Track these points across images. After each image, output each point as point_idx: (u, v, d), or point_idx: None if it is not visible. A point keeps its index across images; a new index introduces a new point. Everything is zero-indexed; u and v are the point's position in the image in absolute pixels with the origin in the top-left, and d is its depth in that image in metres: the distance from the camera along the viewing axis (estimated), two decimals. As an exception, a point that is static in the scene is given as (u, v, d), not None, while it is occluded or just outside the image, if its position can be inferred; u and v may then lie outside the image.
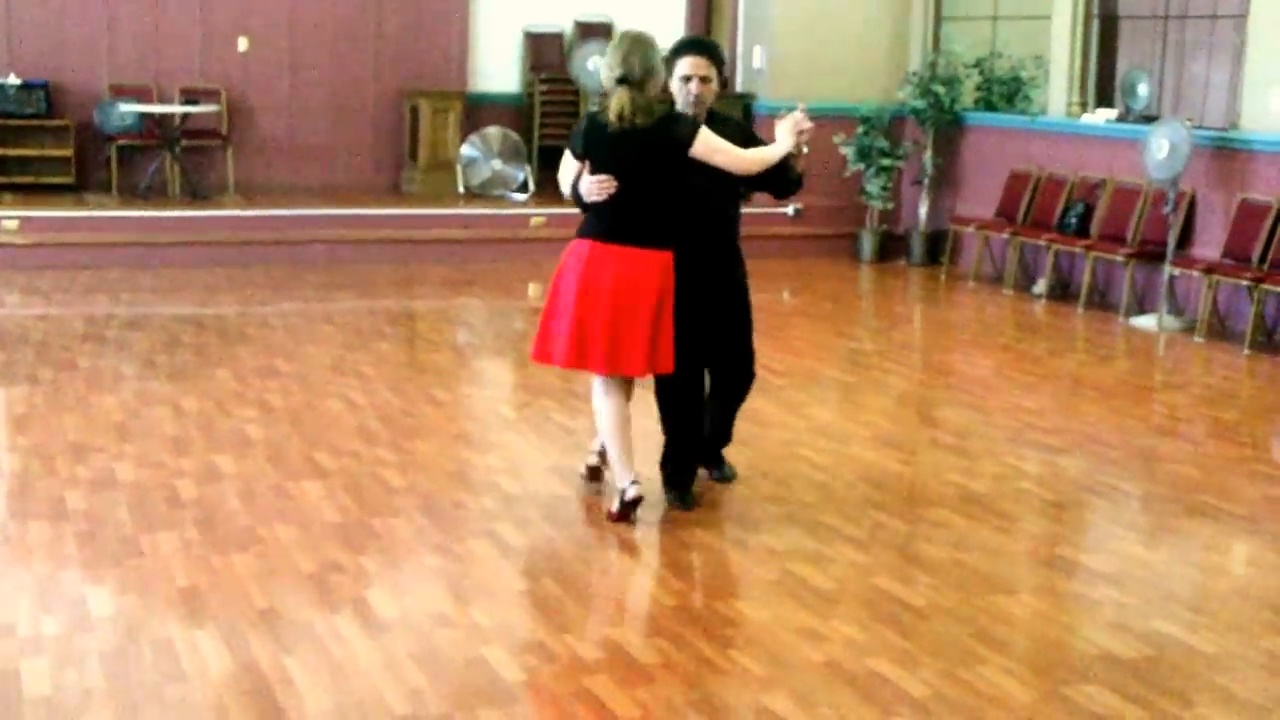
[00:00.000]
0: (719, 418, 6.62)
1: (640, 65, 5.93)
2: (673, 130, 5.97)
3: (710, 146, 5.97)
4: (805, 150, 6.11)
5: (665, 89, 6.11)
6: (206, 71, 14.42)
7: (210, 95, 14.27)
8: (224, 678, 4.64)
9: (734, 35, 15.11)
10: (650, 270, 6.00)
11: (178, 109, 13.69)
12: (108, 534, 5.94)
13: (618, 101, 5.93)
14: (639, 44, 5.99)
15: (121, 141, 13.75)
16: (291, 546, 5.83)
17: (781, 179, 6.24)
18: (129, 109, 13.53)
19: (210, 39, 14.43)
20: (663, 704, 4.55)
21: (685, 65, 6.18)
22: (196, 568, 5.57)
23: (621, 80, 5.94)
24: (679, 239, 6.09)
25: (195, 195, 13.56)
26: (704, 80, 6.17)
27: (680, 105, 6.17)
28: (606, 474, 6.54)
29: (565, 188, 6.24)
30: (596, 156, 6.05)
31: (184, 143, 13.89)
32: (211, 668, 4.71)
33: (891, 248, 14.10)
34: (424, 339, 10.51)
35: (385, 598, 5.34)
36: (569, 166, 6.20)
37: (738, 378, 6.51)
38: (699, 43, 6.54)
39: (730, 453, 6.90)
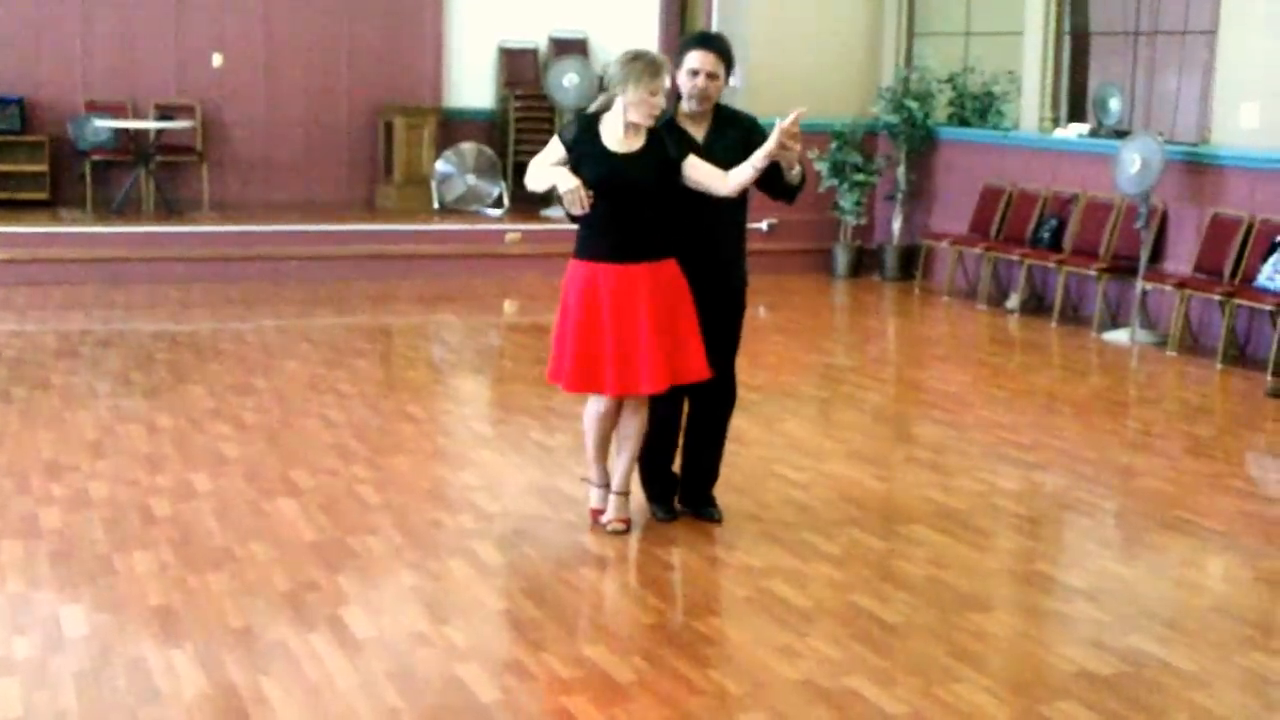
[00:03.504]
0: (701, 447, 6.46)
1: None
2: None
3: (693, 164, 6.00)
4: (797, 168, 5.99)
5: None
6: (181, 87, 14.41)
7: (185, 111, 14.25)
8: (199, 698, 4.62)
9: (708, 51, 15.11)
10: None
11: (152, 125, 13.68)
12: (81, 553, 5.91)
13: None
14: None
15: (96, 157, 13.73)
16: (267, 565, 5.81)
17: (778, 185, 6.12)
18: (104, 124, 13.51)
19: (185, 55, 14.42)
20: (640, 723, 4.56)
21: (692, 59, 6.07)
22: (171, 586, 5.55)
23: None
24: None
25: (170, 211, 13.53)
26: (710, 76, 6.05)
27: (685, 99, 6.13)
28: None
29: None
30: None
31: (159, 158, 13.87)
32: (186, 688, 4.69)
33: (865, 263, 14.13)
34: (400, 355, 10.49)
35: (361, 616, 5.33)
36: None
37: (716, 396, 6.36)
38: (707, 37, 6.31)
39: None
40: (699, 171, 5.95)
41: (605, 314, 5.93)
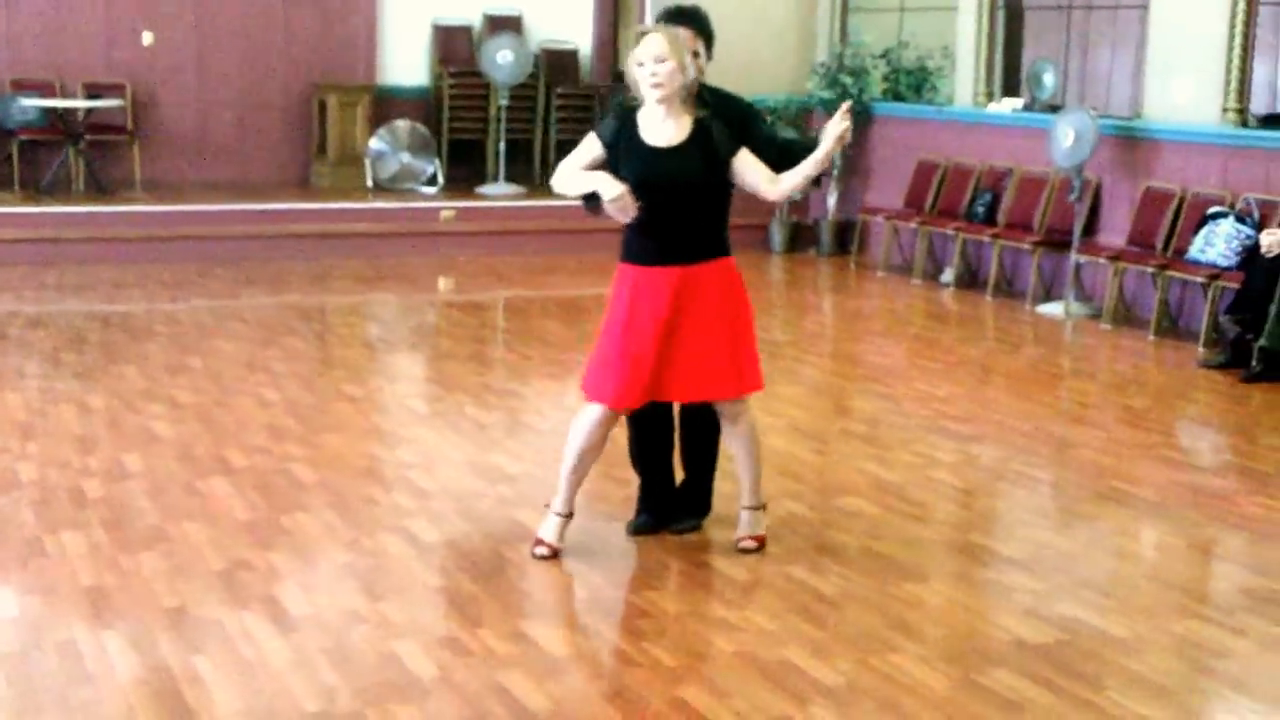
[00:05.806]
0: (692, 461, 6.09)
1: None
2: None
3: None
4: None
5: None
6: (110, 66, 14.21)
7: (115, 90, 14.06)
8: (132, 679, 4.57)
9: (643, 27, 15.10)
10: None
11: (81, 104, 13.49)
12: (11, 534, 5.84)
13: None
14: None
15: (24, 136, 13.52)
16: (200, 544, 5.76)
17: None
18: (31, 103, 13.32)
19: (114, 32, 14.21)
20: (576, 697, 4.55)
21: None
22: (103, 567, 5.49)
23: None
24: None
25: (101, 191, 13.36)
26: (691, 56, 5.51)
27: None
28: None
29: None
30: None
31: (88, 137, 13.69)
32: (119, 669, 4.64)
33: (801, 238, 14.14)
34: (335, 334, 10.42)
35: (296, 595, 5.29)
36: None
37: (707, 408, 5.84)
38: (681, 12, 5.72)
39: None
40: (751, 173, 5.51)
41: (648, 320, 5.43)
